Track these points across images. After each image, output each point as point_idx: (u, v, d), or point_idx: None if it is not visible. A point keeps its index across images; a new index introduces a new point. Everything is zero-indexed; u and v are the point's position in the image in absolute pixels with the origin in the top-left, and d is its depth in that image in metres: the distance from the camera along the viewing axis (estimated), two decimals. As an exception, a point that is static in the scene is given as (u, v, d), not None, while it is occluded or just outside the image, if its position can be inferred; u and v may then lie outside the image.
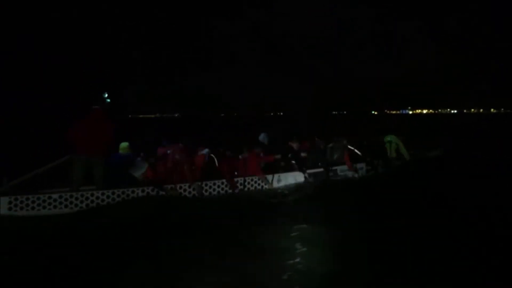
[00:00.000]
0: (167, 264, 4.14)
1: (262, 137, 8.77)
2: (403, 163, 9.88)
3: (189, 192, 7.17)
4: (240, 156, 8.01)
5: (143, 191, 6.76)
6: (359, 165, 9.26)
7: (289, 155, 8.53)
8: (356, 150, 9.37)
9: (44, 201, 6.15)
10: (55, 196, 6.21)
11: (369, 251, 4.44)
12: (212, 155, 7.61)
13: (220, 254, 4.34)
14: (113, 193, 6.56)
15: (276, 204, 6.68)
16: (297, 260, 4.21)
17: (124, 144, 7.06)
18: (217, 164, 7.53)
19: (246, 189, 7.66)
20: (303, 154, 8.56)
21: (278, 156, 8.32)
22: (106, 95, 6.66)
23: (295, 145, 8.67)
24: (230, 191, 7.46)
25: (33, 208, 6.09)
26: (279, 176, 8.05)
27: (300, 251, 4.49)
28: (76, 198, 6.32)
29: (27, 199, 6.06)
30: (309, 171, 8.38)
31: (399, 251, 4.40)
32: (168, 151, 7.10)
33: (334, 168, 8.75)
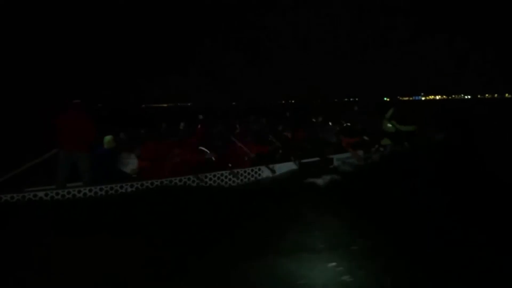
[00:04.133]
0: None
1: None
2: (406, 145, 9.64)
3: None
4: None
5: (132, 186, 6.67)
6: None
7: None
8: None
9: (29, 199, 6.07)
10: (41, 194, 6.14)
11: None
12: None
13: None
14: (101, 189, 6.47)
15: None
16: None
17: (108, 138, 6.95)
18: None
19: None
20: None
21: (278, 143, 8.22)
22: None
23: (289, 134, 8.72)
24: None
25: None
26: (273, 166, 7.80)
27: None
28: (63, 196, 6.24)
29: (12, 198, 5.99)
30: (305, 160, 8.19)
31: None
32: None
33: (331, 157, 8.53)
